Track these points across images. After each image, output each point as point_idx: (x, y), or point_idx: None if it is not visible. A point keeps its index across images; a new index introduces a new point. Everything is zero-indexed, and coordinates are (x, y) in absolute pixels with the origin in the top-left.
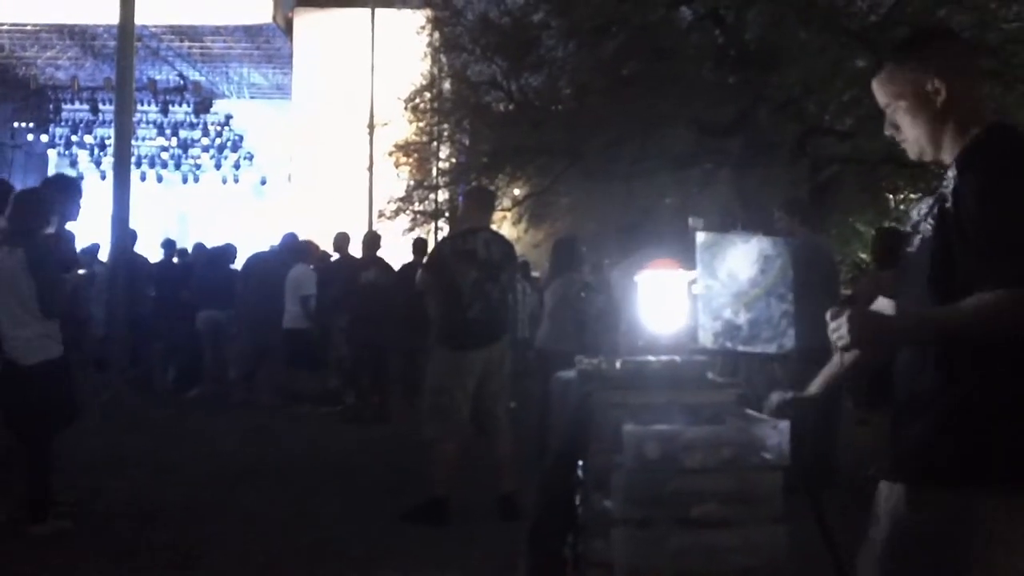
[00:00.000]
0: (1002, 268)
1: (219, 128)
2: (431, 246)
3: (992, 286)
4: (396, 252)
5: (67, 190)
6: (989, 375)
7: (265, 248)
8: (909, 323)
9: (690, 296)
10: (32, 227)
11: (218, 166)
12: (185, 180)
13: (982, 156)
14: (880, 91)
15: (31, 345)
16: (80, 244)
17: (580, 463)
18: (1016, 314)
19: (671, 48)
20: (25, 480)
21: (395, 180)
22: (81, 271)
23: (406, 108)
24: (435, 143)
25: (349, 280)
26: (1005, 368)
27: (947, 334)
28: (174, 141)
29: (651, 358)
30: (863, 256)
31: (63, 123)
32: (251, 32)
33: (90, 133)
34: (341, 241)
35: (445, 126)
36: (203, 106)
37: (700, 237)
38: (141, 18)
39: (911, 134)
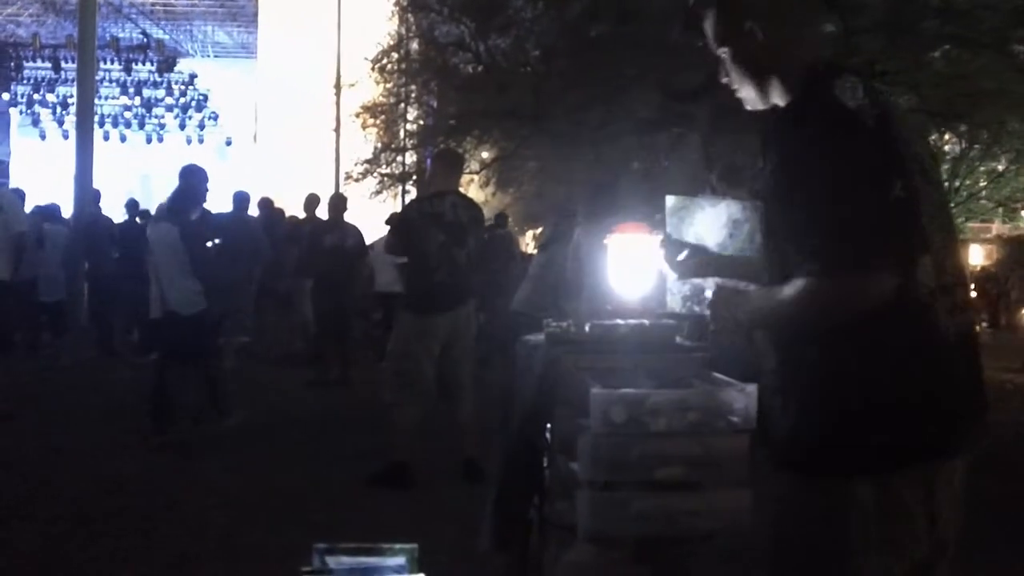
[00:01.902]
0: (806, 258)
1: (183, 87)
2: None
3: (800, 273)
4: (363, 215)
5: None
6: (846, 363)
7: (228, 210)
8: (745, 312)
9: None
10: (185, 209)
11: (182, 126)
12: (149, 140)
13: (784, 126)
14: (709, 38)
15: (185, 299)
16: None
17: (547, 426)
18: (820, 304)
19: (638, 10)
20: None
21: (362, 142)
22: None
23: (373, 69)
24: (402, 105)
25: (314, 242)
26: (859, 356)
27: (772, 323)
28: (137, 100)
29: (619, 322)
30: None
31: (25, 81)
32: None
33: (52, 91)
34: (310, 203)
35: (412, 87)
36: (167, 65)
37: (669, 200)
38: None
39: (739, 84)
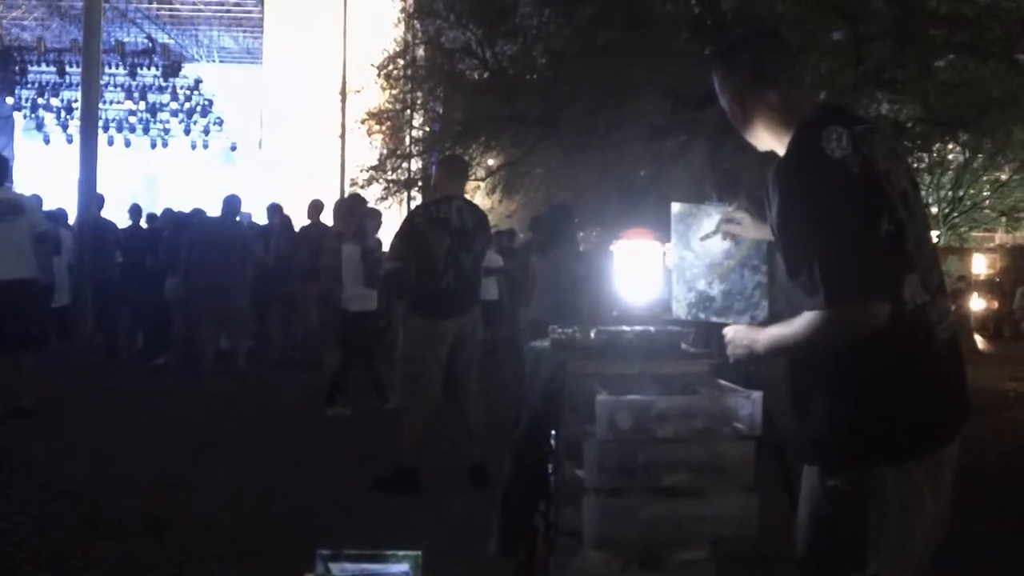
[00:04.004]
0: (809, 297)
1: (188, 92)
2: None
3: (807, 307)
4: None
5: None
6: (861, 373)
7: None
8: (761, 344)
9: (664, 267)
10: (367, 234)
11: (187, 131)
12: (154, 145)
13: (781, 177)
14: (719, 93)
15: (360, 301)
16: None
17: (552, 432)
18: (826, 335)
19: (647, 16)
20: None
21: (368, 148)
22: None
23: (379, 75)
24: (408, 111)
25: (320, 248)
26: (873, 365)
27: (786, 352)
28: (142, 105)
29: (625, 328)
30: None
31: (29, 85)
32: None
33: (57, 96)
34: (315, 209)
35: (419, 94)
36: (172, 69)
37: (675, 208)
38: None
39: (749, 135)
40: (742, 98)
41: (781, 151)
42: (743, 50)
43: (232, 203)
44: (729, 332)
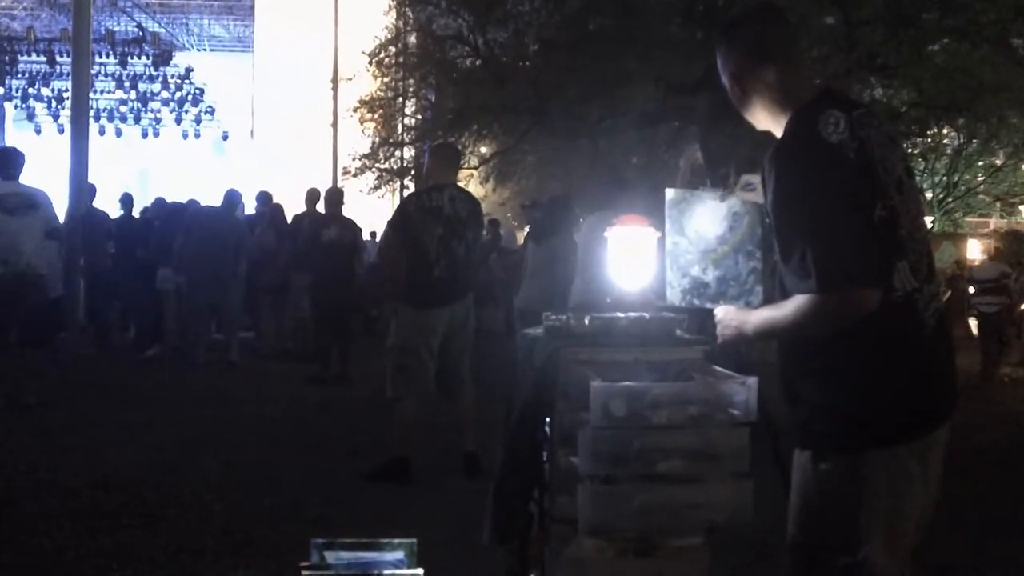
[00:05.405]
0: (800, 281)
1: (179, 81)
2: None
3: (798, 291)
4: (361, 211)
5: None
6: (851, 359)
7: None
8: (750, 326)
9: (658, 253)
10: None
11: (178, 120)
12: (145, 135)
13: (777, 160)
14: (721, 71)
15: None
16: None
17: (546, 420)
18: (815, 320)
19: (638, 3)
20: None
21: (360, 136)
22: None
23: (371, 63)
24: (400, 99)
25: (311, 237)
26: (862, 350)
27: (775, 335)
28: (133, 94)
29: (619, 315)
30: None
31: (19, 75)
32: None
33: (47, 85)
34: (311, 197)
35: (410, 81)
36: (162, 58)
37: (669, 193)
38: None
39: (748, 114)
40: (740, 75)
41: (778, 133)
42: (742, 26)
43: (232, 197)
44: (719, 312)
